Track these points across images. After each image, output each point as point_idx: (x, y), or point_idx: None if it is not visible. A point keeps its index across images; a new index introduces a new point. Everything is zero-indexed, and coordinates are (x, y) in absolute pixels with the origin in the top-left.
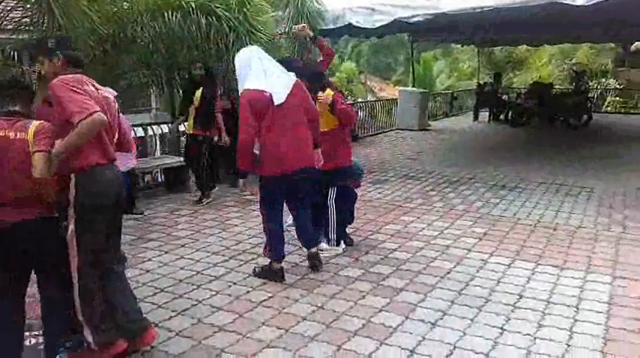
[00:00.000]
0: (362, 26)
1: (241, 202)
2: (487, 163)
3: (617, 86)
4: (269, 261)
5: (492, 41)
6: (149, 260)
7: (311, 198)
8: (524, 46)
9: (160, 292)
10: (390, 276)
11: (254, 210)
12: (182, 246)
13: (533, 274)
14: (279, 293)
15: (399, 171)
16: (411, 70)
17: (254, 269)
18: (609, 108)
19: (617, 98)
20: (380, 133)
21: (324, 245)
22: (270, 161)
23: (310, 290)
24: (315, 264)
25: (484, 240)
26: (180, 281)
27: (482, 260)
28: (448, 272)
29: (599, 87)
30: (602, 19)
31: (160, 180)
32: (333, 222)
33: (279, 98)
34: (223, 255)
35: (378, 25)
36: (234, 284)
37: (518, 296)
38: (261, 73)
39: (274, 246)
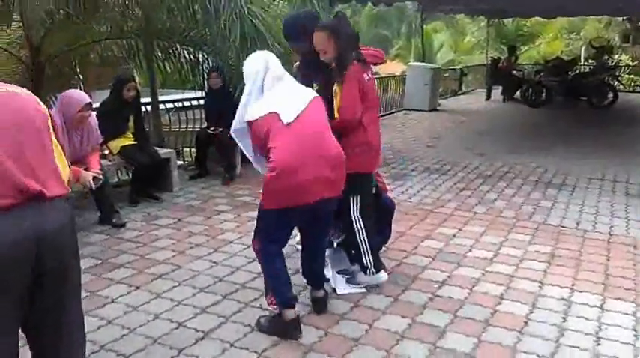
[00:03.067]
0: None
1: (236, 206)
2: (519, 152)
3: (630, 63)
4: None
5: (504, 12)
6: (112, 301)
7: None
8: (536, 19)
9: None
10: (448, 331)
11: (252, 219)
12: (159, 276)
13: (638, 323)
14: None
15: (419, 162)
16: (420, 44)
17: (258, 321)
18: (622, 87)
19: (632, 76)
20: (389, 114)
21: (362, 277)
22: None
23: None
24: (320, 309)
25: (554, 265)
26: (154, 341)
27: (564, 299)
28: (525, 324)
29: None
30: None
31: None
32: (364, 243)
33: (289, 116)
34: (214, 293)
35: None
36: (231, 346)
37: None
38: (273, 90)
39: (277, 288)
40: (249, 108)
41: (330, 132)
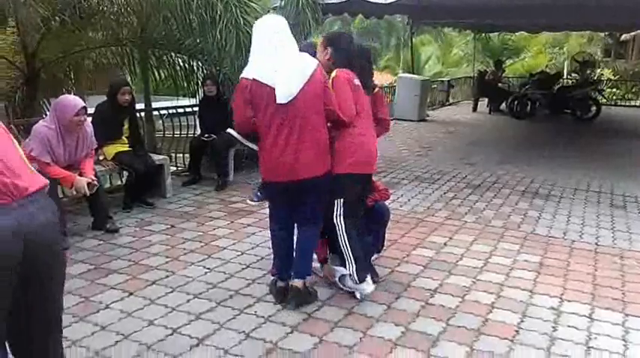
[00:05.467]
0: (372, 0)
1: (229, 212)
2: (506, 162)
3: (612, 77)
4: None
5: (491, 26)
6: (106, 307)
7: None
8: (521, 33)
9: None
10: (441, 340)
11: (246, 225)
12: (153, 282)
13: (627, 333)
14: None
15: (409, 171)
16: (409, 55)
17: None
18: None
19: (614, 89)
20: None
21: (348, 281)
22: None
23: None
24: (290, 300)
25: (543, 274)
26: (149, 347)
27: (554, 308)
28: (516, 332)
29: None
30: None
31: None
32: (347, 250)
33: (284, 96)
34: (209, 299)
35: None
36: (226, 353)
37: None
38: (265, 57)
39: (275, 256)
40: (247, 66)
41: (319, 119)
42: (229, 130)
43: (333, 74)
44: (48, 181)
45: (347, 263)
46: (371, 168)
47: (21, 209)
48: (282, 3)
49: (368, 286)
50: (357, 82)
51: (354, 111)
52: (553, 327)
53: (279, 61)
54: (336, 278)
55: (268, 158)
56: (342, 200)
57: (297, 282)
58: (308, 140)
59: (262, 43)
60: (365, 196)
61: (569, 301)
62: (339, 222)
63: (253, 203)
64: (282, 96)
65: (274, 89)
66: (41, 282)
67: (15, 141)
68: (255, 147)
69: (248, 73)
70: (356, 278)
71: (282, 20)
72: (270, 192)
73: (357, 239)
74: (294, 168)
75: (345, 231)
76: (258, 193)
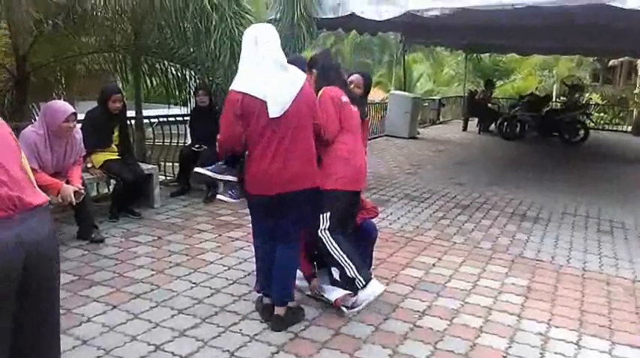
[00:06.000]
0: (366, 17)
1: (217, 225)
2: (495, 183)
3: (600, 101)
4: None
5: (483, 47)
6: (88, 320)
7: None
8: (512, 55)
9: None
10: None
11: (234, 239)
12: (137, 296)
13: None
14: None
15: (399, 189)
16: (402, 72)
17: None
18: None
19: (602, 114)
20: (371, 139)
21: (361, 294)
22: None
23: None
24: (274, 327)
25: (531, 298)
26: None
27: (541, 334)
28: None
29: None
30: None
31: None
32: (342, 257)
33: (276, 110)
34: (194, 315)
35: (385, 17)
36: None
37: None
38: (254, 67)
39: (258, 271)
40: (236, 77)
41: (308, 130)
42: (198, 169)
43: (320, 92)
44: (48, 198)
45: (347, 271)
46: (359, 185)
47: (23, 222)
48: (278, 16)
49: (378, 285)
50: (344, 98)
51: (336, 130)
52: (541, 354)
53: (269, 72)
54: (327, 290)
55: (256, 169)
56: (328, 213)
57: (279, 310)
58: (298, 152)
59: (251, 52)
60: (354, 213)
61: (556, 327)
62: (324, 234)
63: (232, 200)
64: (274, 111)
65: (265, 102)
66: (40, 296)
67: (21, 151)
68: (232, 178)
69: (238, 85)
70: (361, 279)
71: (272, 29)
72: (255, 205)
73: (346, 240)
74: (284, 180)
75: (333, 240)
76: (230, 191)
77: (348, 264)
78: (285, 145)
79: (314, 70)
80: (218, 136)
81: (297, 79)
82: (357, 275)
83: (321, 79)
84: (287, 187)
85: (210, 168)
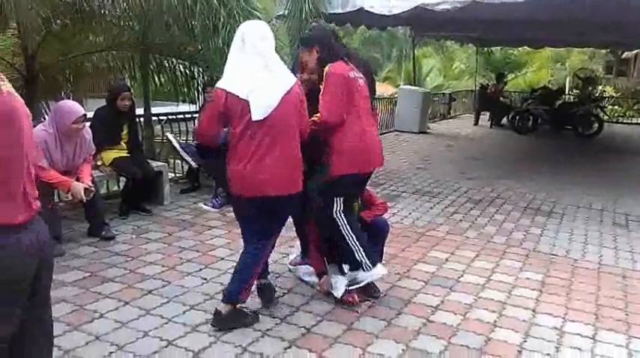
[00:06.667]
0: (376, 12)
1: (227, 222)
2: (508, 177)
3: (613, 94)
4: None
5: (494, 41)
6: (101, 316)
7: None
8: (523, 48)
9: None
10: None
11: None
12: (149, 292)
13: (631, 356)
14: None
15: (410, 184)
16: (411, 67)
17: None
18: (606, 117)
19: (616, 106)
20: (381, 134)
21: (362, 274)
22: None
23: None
24: (213, 323)
25: (545, 293)
26: None
27: (557, 329)
28: (519, 353)
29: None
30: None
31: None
32: (351, 239)
33: (259, 113)
34: (205, 311)
35: (395, 11)
36: None
37: None
38: (239, 66)
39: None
40: (225, 75)
41: (293, 133)
42: (170, 136)
43: (326, 69)
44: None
45: (356, 253)
46: (370, 166)
47: (35, 225)
48: (286, 12)
49: (382, 268)
50: (352, 74)
51: (341, 112)
52: (556, 348)
53: (255, 72)
54: (337, 287)
55: (237, 171)
56: (342, 198)
57: (221, 306)
58: (280, 155)
59: (246, 48)
60: (359, 192)
61: (572, 321)
62: (339, 216)
63: (213, 210)
64: (257, 113)
65: (248, 102)
66: (42, 297)
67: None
68: (191, 161)
69: (223, 83)
70: (368, 263)
71: (264, 28)
72: (239, 208)
73: (358, 227)
74: (265, 182)
75: (347, 223)
76: (214, 200)
77: (358, 248)
78: (268, 148)
79: (316, 47)
80: (197, 125)
81: (284, 80)
82: (365, 258)
83: (325, 55)
84: (270, 191)
85: (183, 145)
